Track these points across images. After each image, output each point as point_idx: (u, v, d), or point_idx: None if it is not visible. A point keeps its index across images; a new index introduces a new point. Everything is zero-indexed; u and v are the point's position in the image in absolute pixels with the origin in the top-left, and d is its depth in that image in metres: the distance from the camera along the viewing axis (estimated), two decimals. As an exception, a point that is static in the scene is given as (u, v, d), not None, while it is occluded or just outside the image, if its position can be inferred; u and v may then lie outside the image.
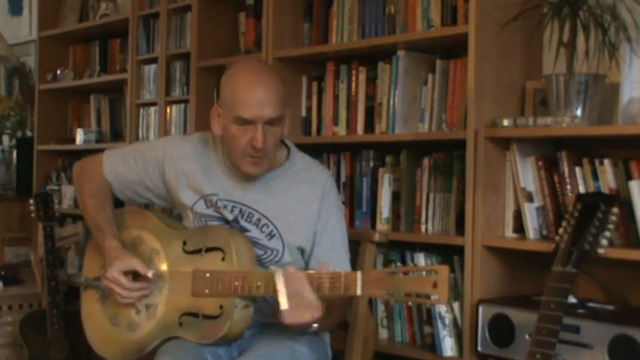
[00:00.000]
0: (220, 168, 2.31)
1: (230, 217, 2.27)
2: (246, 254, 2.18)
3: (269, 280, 2.07)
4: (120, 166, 2.42)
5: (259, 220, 2.27)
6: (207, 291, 2.16)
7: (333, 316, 2.20)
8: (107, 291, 2.32)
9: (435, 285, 1.89)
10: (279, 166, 2.31)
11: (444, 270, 1.90)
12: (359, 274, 1.99)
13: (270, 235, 2.27)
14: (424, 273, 1.93)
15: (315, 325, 2.08)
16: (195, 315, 2.18)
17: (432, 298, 1.90)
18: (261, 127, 2.14)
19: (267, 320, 2.26)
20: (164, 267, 2.28)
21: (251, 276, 2.11)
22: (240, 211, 2.28)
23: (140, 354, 2.25)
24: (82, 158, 2.56)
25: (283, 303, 2.02)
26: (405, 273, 1.95)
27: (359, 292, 1.98)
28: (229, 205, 2.28)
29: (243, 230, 2.27)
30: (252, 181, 2.28)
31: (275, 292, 2.05)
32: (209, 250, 2.21)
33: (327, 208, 2.29)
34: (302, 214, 2.27)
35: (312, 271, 2.07)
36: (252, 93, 2.14)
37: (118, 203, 2.52)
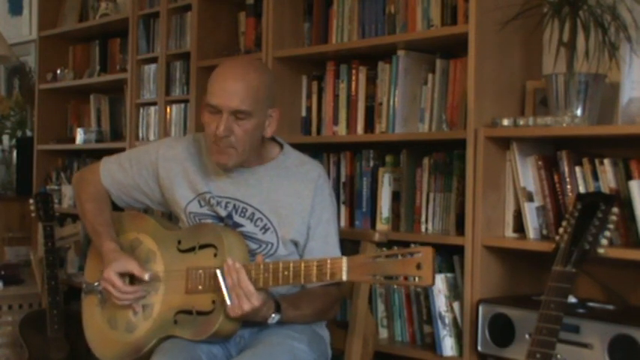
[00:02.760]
0: (212, 165, 2.32)
1: (224, 213, 2.29)
2: (238, 249, 2.19)
3: (258, 274, 2.10)
4: (116, 171, 2.44)
5: (253, 214, 2.28)
6: (200, 287, 2.17)
7: (305, 310, 2.22)
8: (105, 294, 2.33)
9: (418, 266, 1.89)
10: (270, 160, 2.33)
11: (427, 251, 1.89)
12: (344, 259, 2.00)
13: (265, 229, 2.28)
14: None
15: (274, 316, 2.11)
16: (189, 312, 2.19)
17: (416, 279, 1.90)
18: (226, 116, 2.17)
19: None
20: (160, 267, 2.29)
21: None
22: (234, 206, 2.29)
23: (137, 354, 2.26)
24: (83, 160, 2.58)
25: (227, 298, 2.07)
26: (391, 257, 1.94)
27: (344, 277, 1.99)
28: (223, 201, 2.29)
29: (237, 225, 2.28)
30: (245, 176, 2.30)
31: (268, 287, 2.08)
32: (202, 247, 2.22)
33: (321, 202, 2.30)
34: (294, 207, 2.28)
35: (251, 263, 2.12)
36: (223, 82, 2.20)
37: (116, 208, 2.53)
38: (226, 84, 2.19)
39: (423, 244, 2.73)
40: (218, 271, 2.10)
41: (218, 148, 2.21)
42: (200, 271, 2.18)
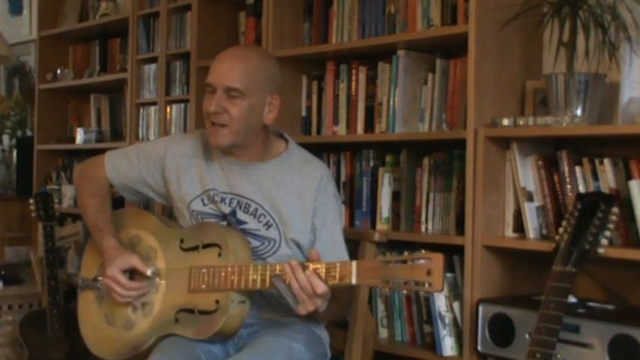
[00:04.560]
0: (218, 161, 2.33)
1: (227, 210, 2.29)
2: (242, 250, 2.19)
3: (265, 274, 2.09)
4: (122, 164, 2.45)
5: (256, 210, 2.28)
6: (203, 286, 2.17)
7: (341, 302, 2.22)
8: (104, 291, 2.33)
9: (429, 272, 1.89)
10: (275, 157, 2.33)
11: (438, 258, 1.89)
12: (354, 263, 2.00)
13: (268, 225, 2.28)
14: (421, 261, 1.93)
15: (322, 307, 2.08)
16: (191, 311, 2.18)
17: (426, 285, 1.90)
18: (219, 92, 2.20)
19: (266, 317, 2.28)
20: (161, 265, 2.29)
21: (247, 270, 2.12)
22: (238, 202, 2.29)
23: (135, 352, 2.26)
24: (83, 160, 2.58)
25: (292, 301, 2.04)
26: (401, 262, 1.94)
27: (354, 281, 1.99)
28: (227, 197, 2.30)
29: (240, 222, 2.28)
30: (248, 171, 2.30)
31: (274, 287, 2.06)
32: (206, 246, 2.22)
33: (325, 203, 2.30)
34: (295, 207, 2.28)
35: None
36: (220, 61, 2.25)
37: (118, 204, 2.53)
38: (223, 63, 2.24)
39: (422, 244, 2.75)
40: (275, 279, 2.06)
41: (213, 129, 2.23)
42: (204, 270, 2.18)
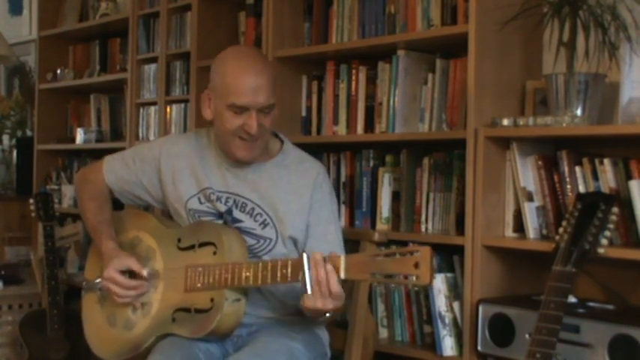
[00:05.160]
0: (214, 160, 2.33)
1: (223, 208, 2.29)
2: (238, 248, 2.20)
3: (257, 272, 2.08)
4: (119, 167, 2.46)
5: (253, 209, 2.28)
6: (199, 285, 2.17)
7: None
8: (105, 291, 2.33)
9: (416, 265, 1.88)
10: (272, 157, 2.34)
11: (425, 250, 1.89)
12: (342, 257, 2.00)
13: (264, 224, 2.28)
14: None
15: (328, 315, 2.08)
16: (187, 310, 2.19)
17: (414, 278, 1.89)
18: (255, 113, 2.18)
19: (265, 316, 2.28)
20: (160, 265, 2.30)
21: (240, 267, 2.12)
22: (234, 201, 2.30)
23: (136, 352, 2.26)
24: (83, 160, 2.59)
25: (308, 287, 2.00)
26: (390, 255, 1.94)
27: (343, 275, 1.98)
28: (223, 196, 2.30)
29: (237, 221, 2.28)
30: (244, 171, 2.30)
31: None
32: (202, 245, 2.22)
33: (320, 200, 2.30)
34: (292, 205, 2.28)
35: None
36: (244, 80, 2.18)
37: (119, 206, 2.54)
38: (250, 81, 2.18)
39: (422, 243, 2.74)
40: (305, 257, 2.01)
41: (245, 144, 2.22)
42: (200, 268, 2.18)
